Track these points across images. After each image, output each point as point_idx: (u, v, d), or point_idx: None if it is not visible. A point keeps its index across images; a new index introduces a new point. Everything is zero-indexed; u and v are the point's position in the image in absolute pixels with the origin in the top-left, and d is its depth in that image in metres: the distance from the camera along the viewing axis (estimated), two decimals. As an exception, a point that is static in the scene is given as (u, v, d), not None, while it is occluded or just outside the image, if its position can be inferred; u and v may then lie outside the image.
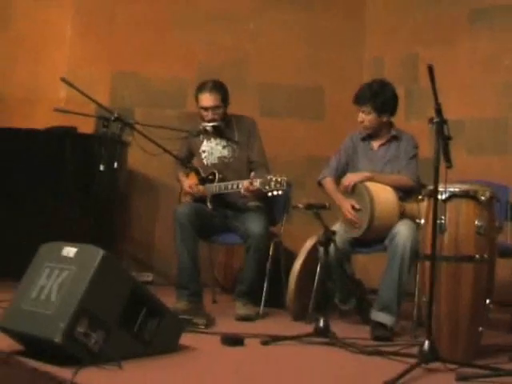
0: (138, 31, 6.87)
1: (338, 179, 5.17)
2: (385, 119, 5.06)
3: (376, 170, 5.04)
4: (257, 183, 4.98)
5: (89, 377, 3.34)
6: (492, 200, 4.19)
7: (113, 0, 6.87)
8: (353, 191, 4.94)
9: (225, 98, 5.41)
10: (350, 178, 4.98)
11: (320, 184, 5.26)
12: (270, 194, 4.87)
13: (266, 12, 7.14)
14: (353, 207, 4.90)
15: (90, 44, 6.79)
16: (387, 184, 4.88)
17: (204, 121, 5.41)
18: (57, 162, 5.79)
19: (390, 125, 5.15)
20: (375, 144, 5.17)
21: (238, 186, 5.17)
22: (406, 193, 4.97)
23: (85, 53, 6.78)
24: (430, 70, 3.71)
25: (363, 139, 5.19)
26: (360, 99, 5.02)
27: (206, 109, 5.37)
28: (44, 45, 6.78)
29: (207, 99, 5.37)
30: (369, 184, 4.86)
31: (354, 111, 5.12)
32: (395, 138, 5.13)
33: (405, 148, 5.08)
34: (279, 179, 4.83)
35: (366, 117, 5.03)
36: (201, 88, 5.42)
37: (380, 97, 4.99)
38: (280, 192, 4.85)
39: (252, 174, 5.14)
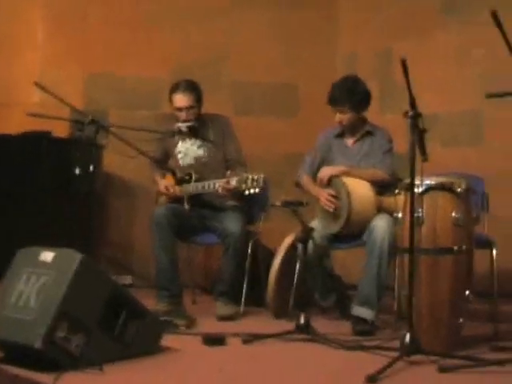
0: (110, 31, 6.83)
1: (314, 176, 5.18)
2: (361, 115, 5.08)
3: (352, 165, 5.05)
4: (233, 182, 4.98)
5: (70, 381, 3.33)
6: (468, 191, 4.21)
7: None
8: (329, 185, 4.94)
9: (199, 98, 5.40)
10: (325, 171, 4.99)
11: (298, 184, 5.26)
12: (246, 192, 4.86)
13: (239, 10, 7.13)
14: (330, 195, 4.90)
15: (62, 45, 6.74)
16: (363, 178, 4.90)
17: (179, 121, 5.40)
18: (32, 166, 5.74)
19: (364, 120, 5.16)
20: (349, 140, 5.18)
21: (214, 186, 5.16)
22: (382, 187, 4.99)
23: (57, 54, 6.73)
24: (404, 63, 3.72)
25: (337, 136, 5.20)
26: (336, 100, 5.02)
27: (180, 109, 5.37)
28: (15, 47, 6.73)
29: (181, 100, 5.36)
30: (346, 179, 4.87)
31: (329, 108, 5.12)
32: (369, 133, 5.14)
33: (379, 143, 5.10)
34: (256, 177, 4.83)
35: (344, 116, 5.04)
36: (174, 88, 5.41)
37: (356, 94, 5.01)
38: (257, 190, 4.84)
39: (228, 172, 5.13)
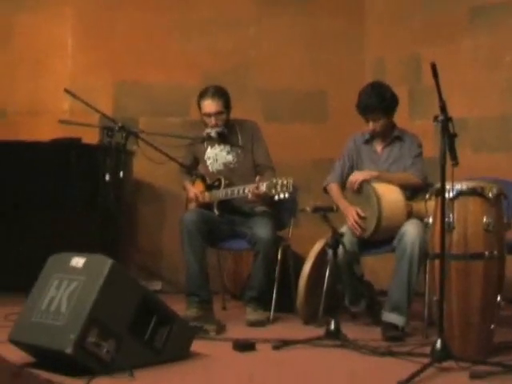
0: (139, 39, 6.86)
1: (343, 184, 5.17)
2: (390, 120, 5.06)
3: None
4: (263, 187, 4.97)
5: (101, 387, 3.33)
6: (499, 197, 4.18)
7: (113, 9, 6.86)
8: (359, 192, 4.92)
9: (227, 104, 5.41)
10: (356, 176, 4.96)
11: (325, 190, 5.25)
12: (276, 197, 4.86)
13: (266, 17, 7.14)
14: (358, 215, 4.88)
15: (91, 54, 6.79)
16: (395, 183, 4.87)
17: (207, 127, 5.40)
18: (62, 173, 5.77)
19: (393, 125, 5.14)
20: (378, 146, 5.16)
21: (244, 191, 5.16)
22: (413, 192, 4.97)
23: (86, 63, 6.78)
24: (433, 67, 3.70)
25: (366, 142, 5.18)
26: (368, 108, 4.99)
27: (209, 115, 5.37)
28: (45, 57, 6.78)
29: (210, 105, 5.37)
30: (376, 185, 4.85)
31: (357, 114, 5.11)
32: (398, 138, 5.12)
33: (409, 148, 5.08)
34: (285, 182, 4.82)
35: (377, 124, 5.02)
36: (203, 94, 5.42)
37: (386, 100, 4.99)
38: (287, 195, 4.84)
39: (257, 178, 5.12)
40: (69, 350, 3.42)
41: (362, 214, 4.87)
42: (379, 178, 4.90)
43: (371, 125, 5.03)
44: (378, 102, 4.97)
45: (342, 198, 5.10)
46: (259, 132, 5.54)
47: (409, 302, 4.64)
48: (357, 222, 4.87)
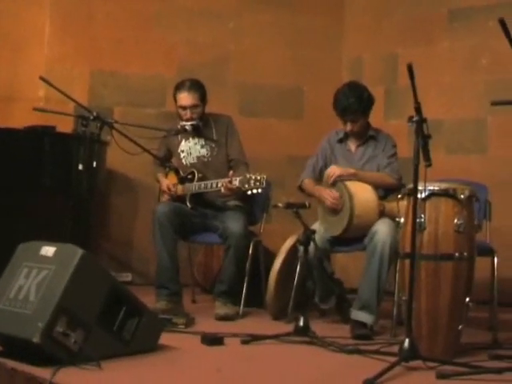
0: (116, 29, 6.82)
1: (316, 181, 5.18)
2: (367, 118, 5.08)
3: (355, 170, 5.04)
4: (236, 182, 4.97)
5: (68, 377, 3.33)
6: (471, 199, 4.20)
7: (91, -2, 6.85)
8: (334, 186, 4.92)
9: (203, 97, 5.40)
10: (334, 170, 4.96)
11: (300, 189, 5.25)
12: (249, 192, 4.86)
13: (247, 11, 7.13)
14: (333, 193, 4.89)
15: (68, 42, 6.74)
16: (370, 182, 4.89)
17: (182, 120, 5.39)
18: (35, 161, 5.74)
19: (367, 125, 5.16)
20: (352, 145, 5.18)
21: (217, 185, 5.16)
22: (385, 191, 5.00)
23: (63, 51, 6.73)
24: (410, 68, 3.71)
25: (340, 141, 5.19)
26: (347, 110, 4.98)
27: (184, 108, 5.36)
28: (22, 44, 6.72)
29: (186, 98, 5.36)
30: (348, 183, 4.86)
31: (333, 110, 5.12)
32: (372, 137, 5.14)
33: (383, 147, 5.10)
34: (258, 177, 4.83)
35: (355, 124, 5.03)
36: (179, 87, 5.41)
37: (364, 101, 5.00)
38: (259, 190, 4.85)
39: (230, 172, 5.12)
40: (36, 339, 3.40)
41: (336, 194, 4.86)
42: (355, 176, 4.91)
43: (349, 126, 5.04)
44: (356, 103, 4.96)
45: (314, 185, 5.11)
46: (234, 126, 5.54)
47: (378, 300, 4.66)
48: (335, 198, 4.86)
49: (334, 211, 4.88)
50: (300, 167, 5.42)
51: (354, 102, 4.96)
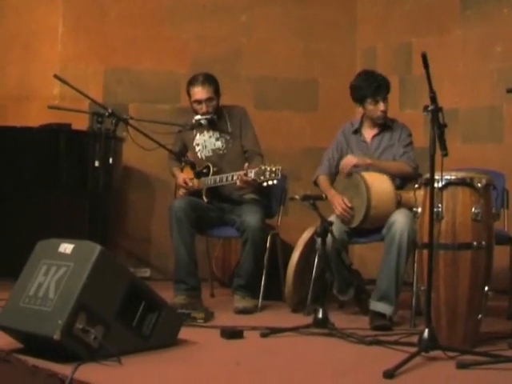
0: (129, 26, 6.84)
1: (332, 176, 5.17)
2: None
3: (372, 160, 5.02)
4: (251, 174, 4.97)
5: (89, 373, 3.33)
6: (488, 187, 4.18)
7: (103, -5, 6.85)
8: (349, 178, 4.91)
9: (217, 90, 5.40)
10: (349, 160, 4.94)
11: (316, 184, 5.25)
12: (264, 184, 4.86)
13: (258, 4, 7.12)
14: (345, 203, 4.88)
15: (81, 40, 6.76)
16: (387, 171, 4.88)
17: (198, 114, 5.39)
18: (52, 158, 5.77)
19: (385, 112, 5.16)
20: (368, 135, 5.16)
21: (232, 178, 5.15)
22: (402, 181, 4.98)
23: (77, 49, 6.75)
24: (424, 57, 3.69)
25: (355, 131, 5.18)
26: (382, 87, 5.01)
27: (199, 102, 5.36)
28: (36, 42, 6.75)
29: (200, 92, 5.35)
30: (365, 173, 4.85)
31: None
32: (388, 127, 5.13)
33: (398, 137, 5.09)
34: (274, 169, 4.83)
35: (386, 104, 5.05)
36: (192, 81, 5.40)
37: (389, 85, 5.06)
38: (275, 182, 4.84)
39: (246, 164, 5.11)
40: (56, 336, 3.41)
41: (349, 204, 4.86)
42: (372, 166, 4.90)
43: (382, 105, 5.02)
44: (386, 80, 5.04)
45: (330, 188, 5.09)
46: (247, 117, 5.53)
47: (397, 291, 4.65)
48: (345, 210, 4.86)
49: (351, 202, 4.86)
50: (316, 159, 5.42)
51: (384, 79, 5.02)
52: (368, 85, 5.01)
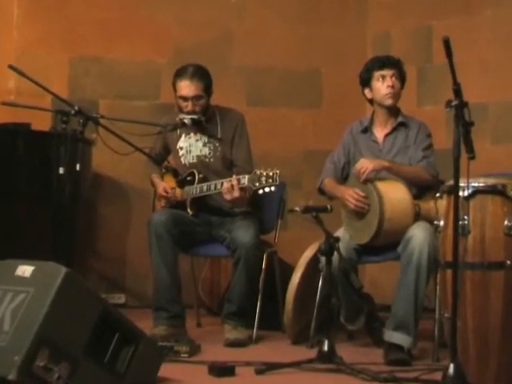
0: (99, 7, 6.83)
1: (339, 181, 5.19)
2: (400, 96, 5.12)
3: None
4: (245, 180, 4.95)
5: (52, 418, 3.31)
6: (524, 196, 4.17)
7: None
8: (365, 183, 4.89)
9: (208, 87, 5.39)
10: (364, 163, 4.91)
11: (321, 191, 5.26)
12: (260, 191, 4.84)
13: (252, -17, 7.14)
14: (357, 193, 4.87)
15: (41, 24, 6.74)
16: (405, 176, 4.89)
17: (183, 112, 5.38)
18: (7, 164, 5.75)
19: (397, 109, 5.16)
20: (379, 134, 5.17)
21: (221, 186, 5.14)
22: (421, 190, 4.98)
23: (35, 34, 6.73)
24: (447, 43, 3.68)
25: (364, 130, 5.19)
26: (389, 60, 5.10)
27: (185, 98, 5.35)
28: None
29: (187, 87, 5.34)
30: (377, 182, 4.84)
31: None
32: (402, 125, 5.13)
33: (415, 137, 5.09)
34: (271, 173, 4.81)
35: (395, 81, 5.08)
36: (180, 73, 5.40)
37: (402, 65, 5.10)
38: (272, 188, 4.83)
39: (234, 176, 5.08)
40: (12, 376, 3.38)
41: (362, 194, 4.85)
42: (390, 170, 4.90)
43: (389, 80, 5.06)
44: (396, 59, 5.12)
45: (338, 185, 5.11)
46: (244, 127, 5.52)
47: (416, 318, 4.65)
48: (359, 200, 4.85)
49: (361, 215, 4.86)
50: (319, 164, 5.41)
51: (392, 56, 5.11)
52: (376, 61, 5.13)
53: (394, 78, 5.07)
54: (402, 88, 5.12)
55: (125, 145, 4.94)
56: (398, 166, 4.96)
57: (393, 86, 5.06)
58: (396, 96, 5.09)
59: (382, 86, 5.07)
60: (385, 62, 5.09)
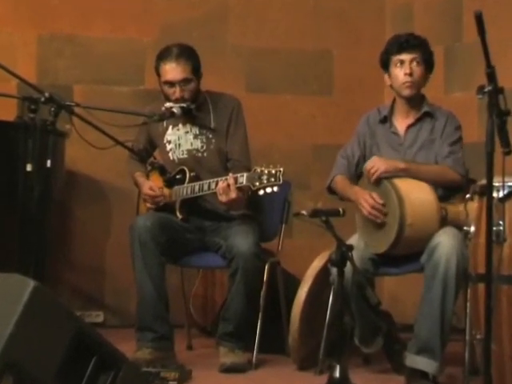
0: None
1: (352, 178, 5.20)
2: (426, 82, 5.10)
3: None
4: (243, 179, 4.95)
5: None
6: None
7: None
8: (377, 184, 4.89)
9: (197, 68, 5.40)
10: (376, 163, 4.92)
11: (330, 190, 5.26)
12: (261, 191, 4.83)
13: None
14: (373, 199, 4.86)
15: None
16: (428, 178, 4.88)
17: (170, 100, 5.38)
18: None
19: (421, 97, 5.16)
20: (400, 125, 5.17)
21: (216, 185, 5.13)
22: (447, 190, 4.97)
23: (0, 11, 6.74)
24: (479, 18, 3.67)
25: (383, 120, 5.18)
26: (408, 43, 5.05)
27: (172, 84, 5.35)
28: None
29: (173, 70, 5.35)
30: (397, 180, 4.84)
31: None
32: (428, 115, 5.13)
33: (443, 129, 5.09)
34: (273, 171, 4.80)
35: (416, 67, 5.05)
36: (164, 56, 5.40)
37: (429, 48, 5.09)
38: (275, 189, 4.82)
39: (230, 175, 5.08)
40: (-28, 407, 3.39)
41: (380, 201, 4.84)
42: (406, 172, 4.88)
43: (407, 67, 5.03)
44: (420, 40, 5.08)
45: (351, 185, 5.12)
46: (240, 114, 5.53)
47: (442, 340, 4.64)
48: (375, 207, 4.84)
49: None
50: (330, 160, 5.41)
51: (415, 37, 5.08)
52: (394, 42, 5.09)
53: (414, 64, 5.04)
54: (430, 73, 5.11)
55: (104, 138, 4.94)
56: (416, 166, 4.94)
57: (411, 74, 5.04)
58: (416, 85, 5.07)
59: (400, 72, 5.06)
60: (402, 45, 5.06)
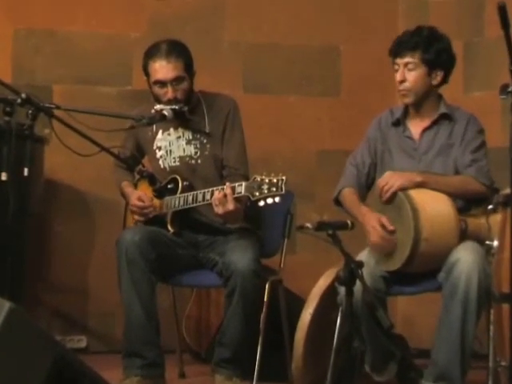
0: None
1: (362, 190, 5.19)
2: (435, 82, 5.05)
3: (420, 168, 5.01)
4: (241, 188, 4.94)
5: None
6: None
7: None
8: (390, 202, 4.89)
9: (189, 66, 5.41)
10: (390, 178, 4.91)
11: (337, 202, 5.26)
12: (261, 202, 4.82)
13: None
14: (383, 225, 4.85)
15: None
16: (448, 191, 4.87)
17: (161, 102, 5.38)
18: None
19: (439, 97, 5.15)
20: (415, 129, 5.17)
21: (211, 196, 5.13)
22: (468, 202, 4.96)
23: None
24: (502, 10, 3.68)
25: (396, 123, 5.17)
26: (402, 45, 5.03)
27: (162, 83, 5.36)
28: None
29: (164, 69, 5.35)
30: (411, 190, 4.83)
31: (385, 81, 5.11)
32: (446, 117, 5.12)
33: (463, 134, 5.08)
34: (274, 180, 4.79)
35: (409, 73, 5.02)
36: (152, 53, 5.41)
37: (434, 44, 5.02)
38: (277, 199, 4.80)
39: (227, 184, 5.08)
40: None
41: (391, 227, 4.84)
42: (424, 186, 4.88)
43: (399, 74, 5.01)
44: (420, 40, 5.01)
45: (359, 204, 5.10)
46: (237, 116, 5.54)
47: (463, 367, 4.64)
48: (385, 239, 4.84)
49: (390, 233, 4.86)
50: (337, 168, 5.43)
51: (414, 37, 5.02)
52: (394, 41, 5.10)
53: (407, 69, 5.02)
54: (439, 72, 5.05)
55: (87, 143, 4.95)
56: (435, 178, 4.92)
57: (403, 81, 5.03)
58: (412, 92, 5.04)
59: (396, 75, 5.07)
60: (395, 47, 5.05)
